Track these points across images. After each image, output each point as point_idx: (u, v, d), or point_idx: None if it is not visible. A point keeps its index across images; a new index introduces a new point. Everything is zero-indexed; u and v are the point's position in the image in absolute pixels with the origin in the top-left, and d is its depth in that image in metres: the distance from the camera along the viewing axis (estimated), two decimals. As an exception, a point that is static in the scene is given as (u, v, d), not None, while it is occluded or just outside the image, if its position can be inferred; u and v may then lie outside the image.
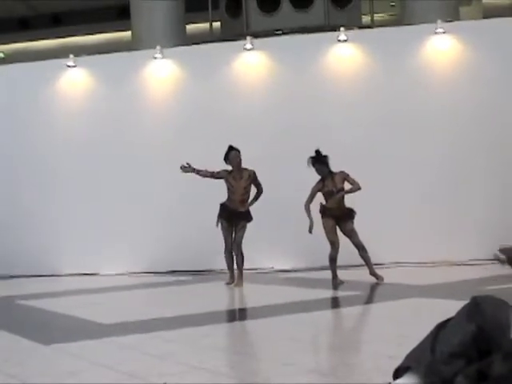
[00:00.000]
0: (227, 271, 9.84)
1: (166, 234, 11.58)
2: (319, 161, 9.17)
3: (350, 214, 9.26)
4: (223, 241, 9.67)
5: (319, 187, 9.25)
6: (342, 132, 11.15)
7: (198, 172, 9.65)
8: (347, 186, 9.19)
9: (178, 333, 6.21)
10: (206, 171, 9.64)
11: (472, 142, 11.02)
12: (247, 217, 9.64)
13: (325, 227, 9.20)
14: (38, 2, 19.41)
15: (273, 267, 11.25)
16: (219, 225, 9.65)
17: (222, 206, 9.65)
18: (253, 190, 9.75)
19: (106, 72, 12.19)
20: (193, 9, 15.70)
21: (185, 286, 10.25)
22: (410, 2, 13.70)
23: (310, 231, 9.06)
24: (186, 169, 9.59)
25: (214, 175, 9.64)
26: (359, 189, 9.11)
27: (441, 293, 7.95)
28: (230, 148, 9.60)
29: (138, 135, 11.94)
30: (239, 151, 9.59)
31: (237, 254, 9.64)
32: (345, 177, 9.17)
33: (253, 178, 9.64)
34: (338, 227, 9.25)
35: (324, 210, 9.23)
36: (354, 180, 9.14)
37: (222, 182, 9.68)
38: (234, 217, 9.59)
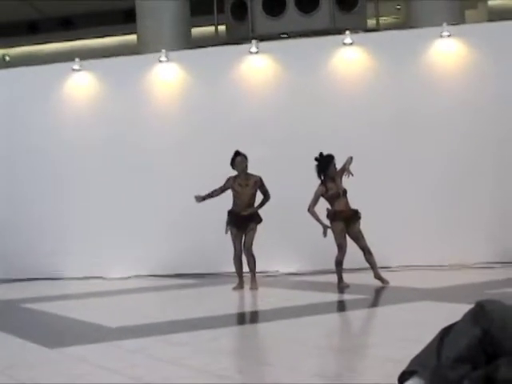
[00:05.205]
0: (236, 276, 9.75)
1: (173, 236, 11.57)
2: (328, 161, 9.19)
3: (356, 214, 9.26)
4: (232, 247, 9.62)
5: (322, 191, 9.25)
6: (347, 135, 11.11)
7: (210, 196, 9.65)
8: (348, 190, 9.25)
9: (185, 336, 6.21)
10: (215, 190, 9.62)
11: (478, 144, 11.00)
12: (256, 218, 9.57)
13: (334, 231, 9.19)
14: (45, 5, 19.43)
15: (278, 270, 11.24)
16: (228, 232, 9.62)
17: (230, 212, 9.62)
18: (259, 196, 9.68)
19: (111, 75, 12.19)
20: (198, 12, 15.73)
21: (192, 289, 10.23)
22: (415, 5, 13.71)
23: (325, 235, 9.08)
24: (199, 199, 9.63)
25: (223, 189, 9.61)
26: (350, 157, 9.17)
27: (447, 296, 7.93)
28: (237, 153, 9.58)
29: (144, 138, 11.93)
30: (246, 157, 9.57)
31: (248, 257, 9.58)
32: (340, 173, 9.19)
33: (260, 185, 9.59)
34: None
35: (334, 214, 9.23)
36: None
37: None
38: (242, 221, 9.53)
